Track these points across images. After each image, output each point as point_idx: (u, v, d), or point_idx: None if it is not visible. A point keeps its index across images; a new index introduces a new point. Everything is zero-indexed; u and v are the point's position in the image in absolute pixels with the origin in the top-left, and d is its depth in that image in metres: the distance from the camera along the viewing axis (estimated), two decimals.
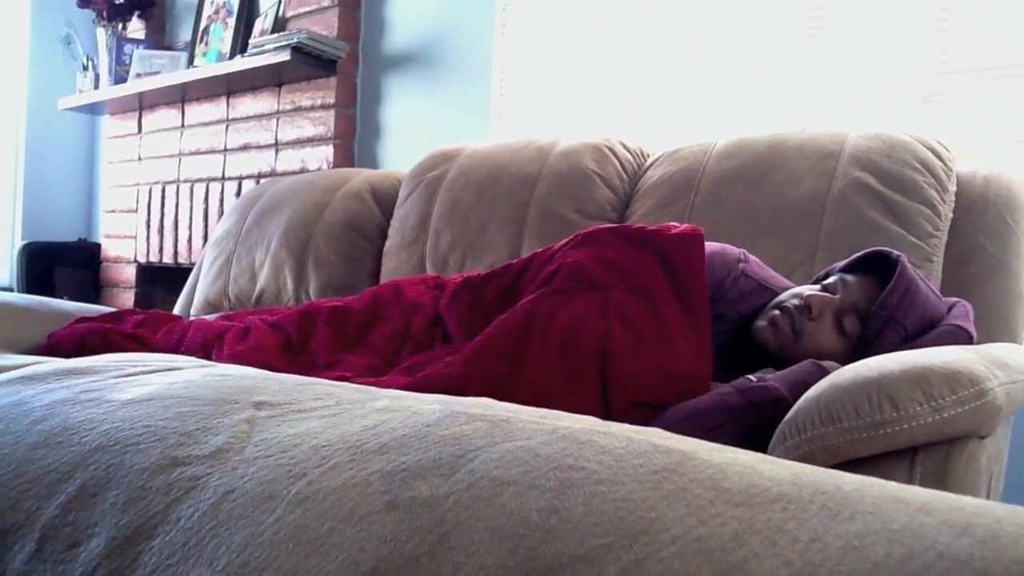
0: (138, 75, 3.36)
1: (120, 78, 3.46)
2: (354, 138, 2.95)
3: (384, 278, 2.08)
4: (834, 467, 0.90)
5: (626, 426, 0.48)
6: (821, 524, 0.37)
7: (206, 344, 1.45)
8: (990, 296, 1.41)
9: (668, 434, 0.47)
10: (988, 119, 1.81)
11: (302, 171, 2.92)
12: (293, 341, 1.43)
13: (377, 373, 1.25)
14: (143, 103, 3.52)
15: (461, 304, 1.35)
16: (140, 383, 0.59)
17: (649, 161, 1.88)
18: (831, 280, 1.22)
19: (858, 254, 1.27)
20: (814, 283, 1.27)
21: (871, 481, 0.42)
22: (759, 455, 0.45)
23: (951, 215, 1.50)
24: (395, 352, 1.34)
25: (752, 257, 1.33)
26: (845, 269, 1.26)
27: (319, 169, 2.86)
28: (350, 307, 1.47)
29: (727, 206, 1.61)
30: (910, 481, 0.93)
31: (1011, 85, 1.79)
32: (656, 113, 2.32)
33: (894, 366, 0.93)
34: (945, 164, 1.52)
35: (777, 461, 0.44)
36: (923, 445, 0.94)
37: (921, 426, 0.89)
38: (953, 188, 1.51)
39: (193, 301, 2.46)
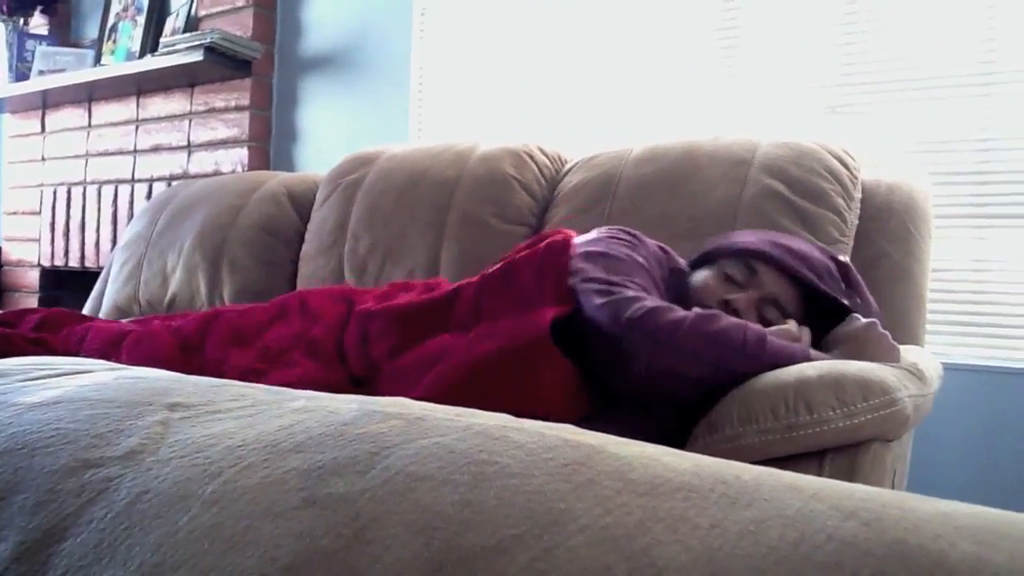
0: (41, 72, 3.24)
1: (22, 75, 3.33)
2: (269, 140, 2.91)
3: (301, 282, 2.06)
4: None
5: (538, 423, 0.50)
6: (720, 511, 0.39)
7: (104, 352, 1.42)
8: (895, 300, 1.46)
9: (579, 430, 0.49)
10: (890, 129, 1.90)
11: (216, 174, 2.87)
12: (191, 344, 1.41)
13: (258, 374, 1.24)
14: (47, 101, 3.40)
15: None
16: (49, 386, 0.58)
17: (567, 167, 1.91)
18: (736, 274, 1.25)
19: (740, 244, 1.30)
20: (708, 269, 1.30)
21: (768, 471, 0.44)
22: (665, 448, 0.47)
23: (857, 222, 1.55)
24: (284, 351, 1.33)
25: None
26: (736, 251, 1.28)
27: (233, 172, 2.82)
28: (254, 311, 1.46)
29: (644, 212, 1.65)
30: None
31: (911, 98, 1.88)
32: (573, 118, 2.35)
33: (812, 372, 0.97)
34: (851, 172, 1.57)
35: (681, 453, 0.46)
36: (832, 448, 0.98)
37: (833, 430, 0.93)
38: (859, 196, 1.57)
39: (102, 306, 2.39)
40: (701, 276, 1.28)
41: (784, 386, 0.96)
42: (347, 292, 1.47)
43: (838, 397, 0.93)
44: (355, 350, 1.28)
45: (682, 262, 1.37)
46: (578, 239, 1.30)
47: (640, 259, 1.24)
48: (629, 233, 1.31)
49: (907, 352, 1.18)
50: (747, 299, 1.22)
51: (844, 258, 1.28)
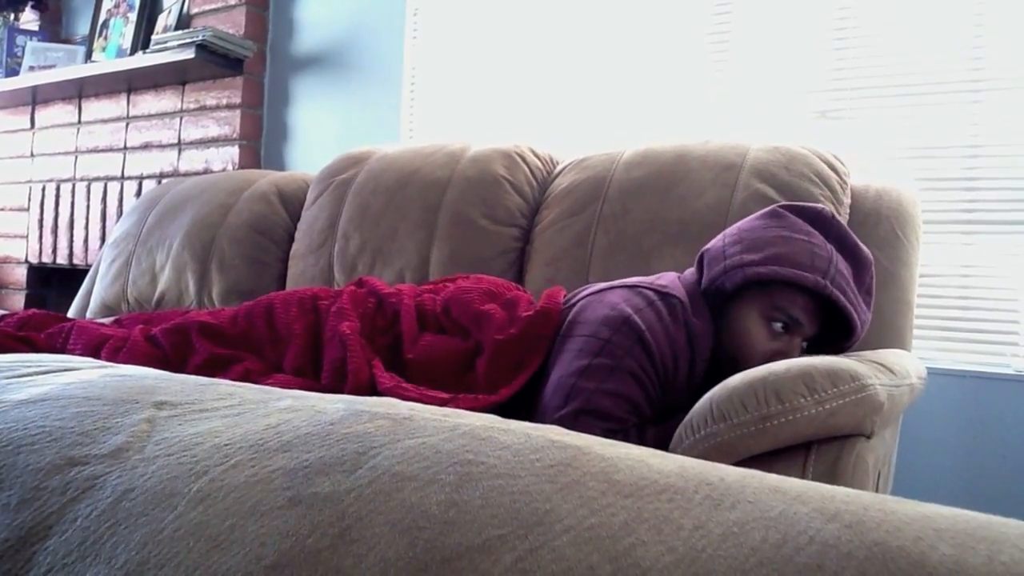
0: (31, 68, 3.23)
1: (12, 71, 3.32)
2: (261, 139, 2.90)
3: (290, 282, 2.06)
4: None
5: (525, 423, 0.50)
6: (704, 513, 0.39)
7: (86, 355, 1.41)
8: (881, 305, 1.47)
9: (565, 431, 0.49)
10: (879, 135, 1.91)
11: (206, 172, 2.86)
12: (170, 360, 1.39)
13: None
14: (37, 97, 3.39)
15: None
16: (34, 384, 0.57)
17: (558, 168, 1.91)
18: (781, 319, 1.21)
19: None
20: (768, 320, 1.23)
21: (752, 473, 0.45)
22: (651, 450, 0.48)
23: None
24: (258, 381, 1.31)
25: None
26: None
27: (224, 170, 2.81)
28: (223, 330, 1.42)
29: (634, 215, 1.65)
30: (803, 479, 0.98)
31: (901, 103, 1.90)
32: (565, 120, 2.36)
33: (780, 367, 0.98)
34: (840, 177, 1.58)
35: (666, 455, 0.47)
36: (815, 443, 0.99)
37: (805, 418, 0.94)
38: (848, 201, 1.57)
39: (89, 304, 2.38)
40: (743, 331, 1.23)
41: (755, 380, 0.97)
42: (314, 297, 1.43)
43: (807, 385, 0.95)
44: (333, 375, 1.27)
45: (680, 290, 1.27)
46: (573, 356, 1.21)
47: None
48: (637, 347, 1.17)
49: (886, 354, 1.19)
50: (794, 351, 1.22)
51: (831, 212, 1.27)
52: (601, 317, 1.20)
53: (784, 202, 1.29)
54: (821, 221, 1.26)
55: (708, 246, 1.31)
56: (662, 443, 1.09)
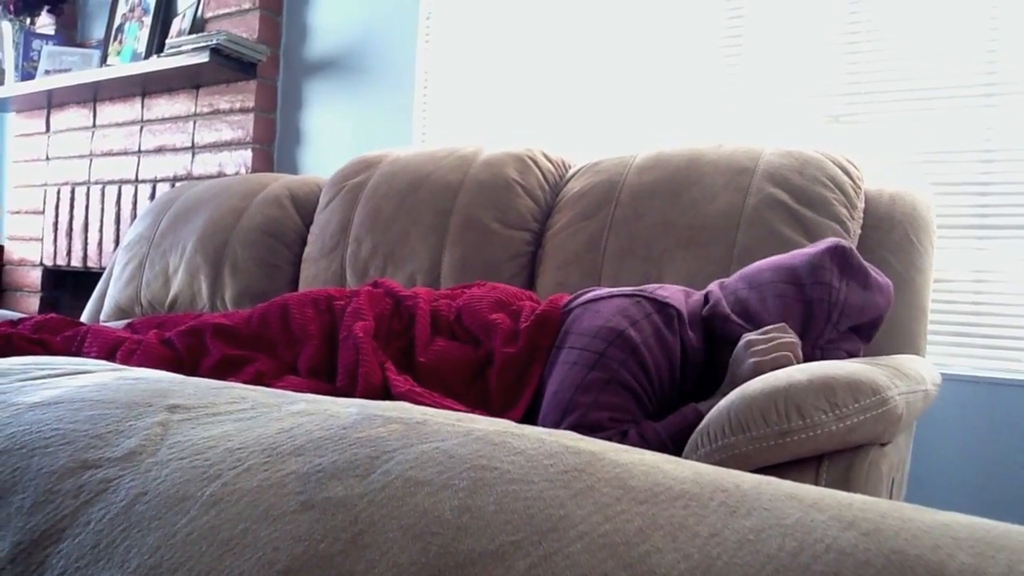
0: (47, 72, 3.25)
1: (27, 74, 3.34)
2: (274, 143, 2.91)
3: (303, 285, 2.06)
4: None
5: (539, 428, 0.50)
6: (720, 520, 0.39)
7: (101, 358, 1.41)
8: (895, 311, 1.46)
9: (579, 436, 0.49)
10: (893, 139, 1.90)
11: (219, 175, 2.87)
12: (184, 362, 1.40)
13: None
14: (52, 101, 3.41)
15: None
16: (49, 386, 0.57)
17: (571, 172, 1.90)
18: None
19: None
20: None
21: (768, 480, 0.44)
22: (665, 456, 0.47)
23: (859, 231, 1.55)
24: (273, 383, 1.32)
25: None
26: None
27: (237, 174, 2.82)
28: (238, 331, 1.42)
29: (646, 219, 1.64)
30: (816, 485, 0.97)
31: (914, 107, 1.88)
32: (577, 124, 2.36)
33: (801, 376, 0.97)
34: (854, 182, 1.57)
35: (681, 461, 0.46)
36: (828, 453, 0.98)
37: (826, 434, 0.93)
38: (861, 205, 1.57)
39: (103, 307, 2.39)
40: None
41: (775, 392, 0.96)
42: (329, 298, 1.43)
43: (829, 400, 0.93)
44: (347, 377, 1.28)
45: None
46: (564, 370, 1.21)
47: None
48: (627, 349, 1.18)
49: (901, 360, 1.18)
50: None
51: (834, 242, 1.22)
52: (596, 329, 1.20)
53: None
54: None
55: (725, 282, 1.31)
56: (660, 436, 1.11)
